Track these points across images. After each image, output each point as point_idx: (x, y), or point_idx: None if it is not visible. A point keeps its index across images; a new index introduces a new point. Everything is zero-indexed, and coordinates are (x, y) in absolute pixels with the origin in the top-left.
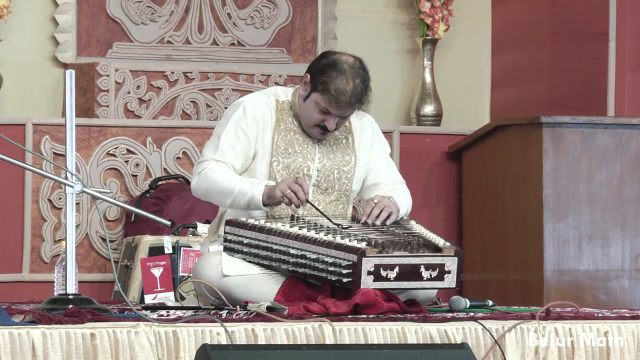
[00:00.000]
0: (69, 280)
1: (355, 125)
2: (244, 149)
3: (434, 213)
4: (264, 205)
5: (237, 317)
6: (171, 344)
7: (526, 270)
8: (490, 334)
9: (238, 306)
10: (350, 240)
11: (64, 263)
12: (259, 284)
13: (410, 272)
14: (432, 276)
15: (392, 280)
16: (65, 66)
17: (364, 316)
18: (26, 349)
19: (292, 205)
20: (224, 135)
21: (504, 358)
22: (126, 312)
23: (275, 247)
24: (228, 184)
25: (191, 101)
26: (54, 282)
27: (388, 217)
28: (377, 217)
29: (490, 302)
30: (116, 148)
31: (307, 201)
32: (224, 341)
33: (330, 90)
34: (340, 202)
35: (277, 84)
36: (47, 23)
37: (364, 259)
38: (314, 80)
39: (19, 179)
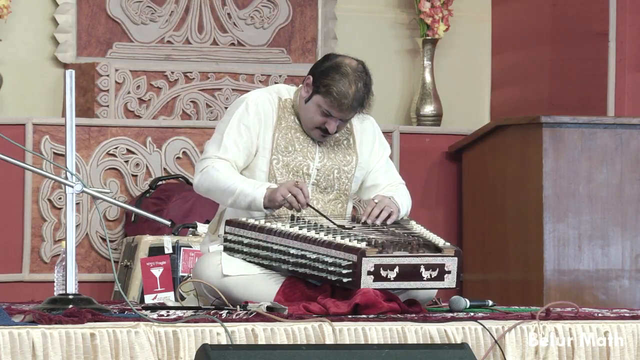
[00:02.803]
0: (69, 280)
1: (356, 126)
2: (247, 145)
3: (434, 213)
4: (265, 207)
5: (237, 317)
6: (171, 344)
7: (526, 270)
8: (490, 334)
9: (238, 306)
10: (350, 240)
11: (64, 263)
12: (259, 284)
13: (410, 272)
14: (432, 276)
15: (392, 280)
16: (65, 66)
17: (364, 316)
18: (26, 349)
19: (293, 209)
20: (227, 131)
21: (504, 358)
22: (126, 312)
23: (275, 247)
24: (230, 184)
25: (191, 101)
26: (54, 282)
27: (388, 217)
28: (377, 217)
29: (490, 302)
30: (116, 148)
31: (308, 204)
32: (224, 341)
33: (332, 93)
34: (339, 202)
35: (277, 83)
36: (47, 23)
37: (364, 259)
38: (316, 82)
39: (19, 179)
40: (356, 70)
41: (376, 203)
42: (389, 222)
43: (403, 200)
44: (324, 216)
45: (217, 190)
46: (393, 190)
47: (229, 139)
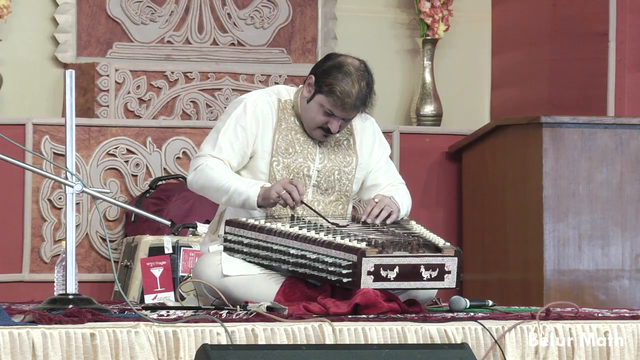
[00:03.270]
0: (69, 280)
1: (357, 126)
2: (242, 147)
3: (434, 213)
4: (259, 206)
5: (237, 317)
6: (171, 344)
7: (526, 270)
8: (490, 334)
9: (238, 306)
10: (350, 240)
11: (64, 263)
12: (259, 284)
13: (410, 272)
14: (432, 276)
15: (392, 281)
16: (65, 66)
17: (364, 316)
18: (26, 349)
19: (287, 206)
20: (223, 131)
21: (504, 358)
22: (126, 312)
23: (275, 247)
24: (224, 182)
25: (191, 101)
26: (54, 282)
27: (388, 216)
28: (377, 216)
29: (490, 302)
30: (116, 148)
31: (302, 202)
32: (224, 341)
33: (335, 92)
34: (340, 203)
35: (277, 84)
36: (47, 23)
37: (364, 259)
38: (318, 82)
39: (19, 179)
40: (359, 69)
41: (376, 202)
42: (388, 221)
43: (403, 200)
44: (320, 215)
45: (211, 188)
46: (393, 190)
47: (225, 139)
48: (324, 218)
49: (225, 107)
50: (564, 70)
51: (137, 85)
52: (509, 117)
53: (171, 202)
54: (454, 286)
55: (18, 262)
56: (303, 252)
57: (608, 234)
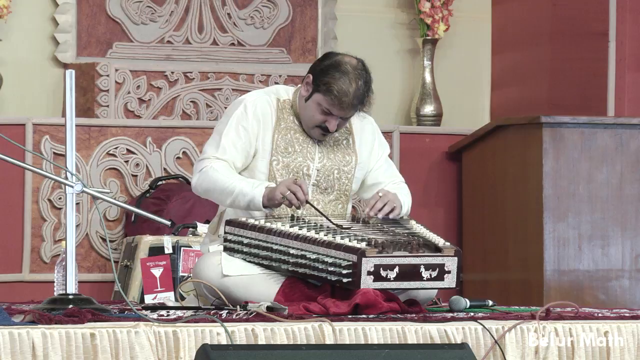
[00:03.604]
0: (69, 280)
1: (356, 126)
2: (245, 147)
3: (434, 213)
4: (264, 207)
5: (237, 317)
6: (171, 344)
7: (526, 270)
8: (490, 334)
9: (238, 306)
10: (350, 240)
11: (64, 263)
12: (259, 284)
13: (410, 272)
14: (432, 276)
15: (392, 280)
16: (65, 66)
17: (364, 316)
18: (26, 349)
19: (292, 206)
20: (225, 132)
21: (504, 358)
22: (126, 312)
23: (275, 247)
24: (229, 184)
25: (191, 101)
26: (54, 282)
27: (391, 211)
28: (381, 210)
29: (490, 302)
30: (116, 148)
31: (307, 202)
32: (224, 341)
33: (333, 91)
34: (339, 202)
35: (277, 84)
36: (47, 23)
37: (363, 259)
38: (316, 80)
39: (19, 179)
40: (356, 68)
41: (380, 196)
42: (391, 216)
43: (405, 199)
44: (323, 215)
45: (216, 190)
46: (396, 188)
47: (227, 140)
48: (328, 219)
49: (225, 107)
50: (564, 70)
51: (137, 85)
52: (509, 117)
53: (171, 202)
54: (454, 286)
55: (18, 262)
56: (303, 252)
57: (608, 234)
